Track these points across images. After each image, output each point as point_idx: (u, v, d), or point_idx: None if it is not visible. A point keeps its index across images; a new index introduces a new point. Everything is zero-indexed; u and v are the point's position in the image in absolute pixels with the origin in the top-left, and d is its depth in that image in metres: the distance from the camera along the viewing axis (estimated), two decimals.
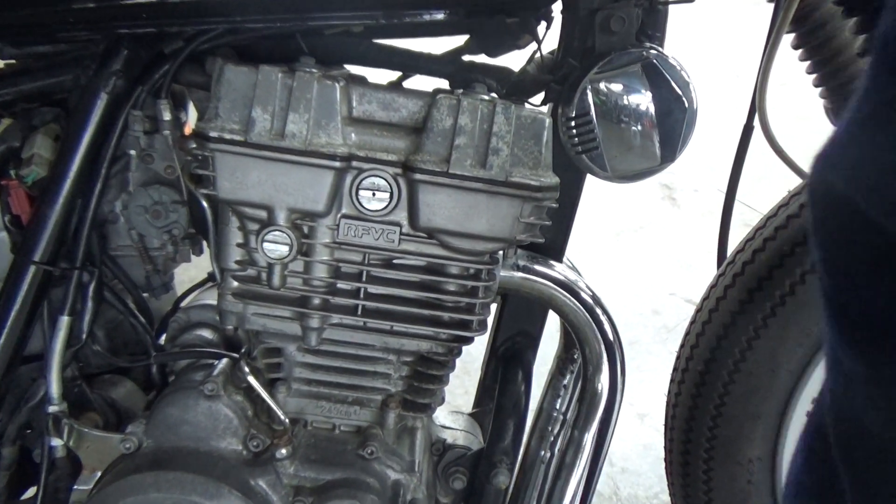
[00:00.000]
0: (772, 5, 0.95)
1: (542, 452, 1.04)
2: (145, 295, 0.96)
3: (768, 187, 1.62)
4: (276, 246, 0.79)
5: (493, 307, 0.98)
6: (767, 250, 1.08)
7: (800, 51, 1.05)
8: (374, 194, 0.79)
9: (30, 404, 0.91)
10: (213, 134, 0.76)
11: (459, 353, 0.89)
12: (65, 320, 0.87)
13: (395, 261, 0.84)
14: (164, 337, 0.97)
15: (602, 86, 0.83)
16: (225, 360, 0.90)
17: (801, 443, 0.60)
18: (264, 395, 0.88)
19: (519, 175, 0.78)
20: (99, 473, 0.90)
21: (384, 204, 0.80)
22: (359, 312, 0.84)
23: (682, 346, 1.20)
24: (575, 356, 1.03)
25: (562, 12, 0.88)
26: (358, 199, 0.80)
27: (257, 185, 0.78)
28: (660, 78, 0.83)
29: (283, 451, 0.87)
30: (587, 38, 0.85)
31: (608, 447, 0.99)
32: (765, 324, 1.07)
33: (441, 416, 1.04)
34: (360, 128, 0.79)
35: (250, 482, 0.86)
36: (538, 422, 1.06)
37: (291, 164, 0.77)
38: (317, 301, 0.84)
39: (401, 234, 0.81)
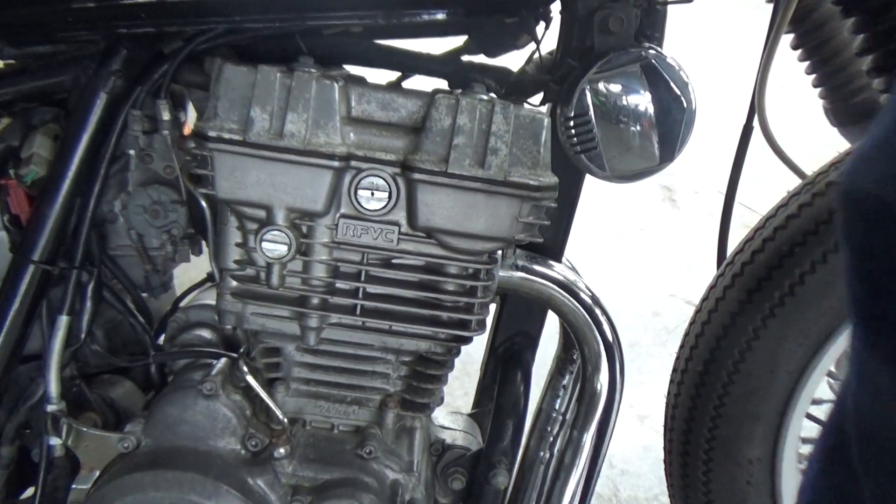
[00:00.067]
0: (771, 6, 0.96)
1: (542, 453, 1.04)
2: (144, 295, 0.96)
3: (768, 188, 1.62)
4: (274, 245, 0.80)
5: (492, 307, 0.98)
6: (766, 251, 1.08)
7: (799, 51, 1.06)
8: (372, 194, 0.79)
9: (28, 403, 0.91)
10: (212, 133, 0.76)
11: (458, 352, 0.89)
12: (64, 320, 0.87)
13: (393, 260, 0.84)
14: (162, 337, 0.97)
15: (601, 86, 0.83)
16: (224, 360, 0.90)
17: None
18: (263, 394, 0.88)
19: (517, 175, 0.78)
20: (97, 472, 0.90)
21: (383, 203, 0.80)
22: (357, 312, 0.84)
23: (681, 346, 1.20)
24: (574, 356, 1.03)
25: (560, 12, 0.88)
26: (357, 199, 0.80)
27: (256, 185, 0.78)
28: (658, 78, 0.83)
29: (282, 450, 0.87)
30: (586, 38, 0.85)
31: (607, 447, 0.99)
32: (764, 324, 1.07)
33: (440, 416, 1.04)
34: (358, 127, 0.79)
35: (249, 481, 0.86)
36: (537, 422, 1.06)
37: (290, 164, 0.77)
38: (315, 301, 0.84)
39: (399, 233, 0.81)
